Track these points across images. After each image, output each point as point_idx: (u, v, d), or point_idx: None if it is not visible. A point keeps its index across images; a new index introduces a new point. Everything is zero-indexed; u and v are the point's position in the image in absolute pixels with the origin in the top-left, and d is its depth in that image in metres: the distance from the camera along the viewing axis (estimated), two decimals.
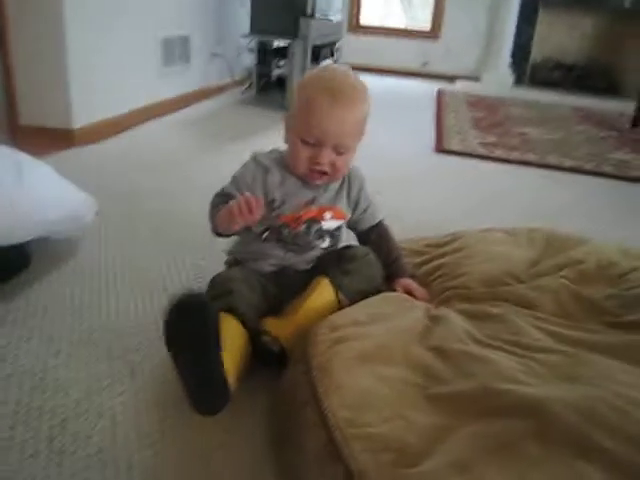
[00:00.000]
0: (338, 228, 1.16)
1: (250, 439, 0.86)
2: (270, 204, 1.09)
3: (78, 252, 1.43)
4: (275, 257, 1.11)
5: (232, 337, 0.92)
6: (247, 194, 0.96)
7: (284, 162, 1.10)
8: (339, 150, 1.04)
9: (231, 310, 0.95)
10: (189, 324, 0.81)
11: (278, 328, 0.97)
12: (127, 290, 1.26)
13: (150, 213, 1.71)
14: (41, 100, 2.33)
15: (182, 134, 2.74)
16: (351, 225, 1.21)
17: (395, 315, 1.01)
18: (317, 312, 1.00)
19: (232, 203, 0.96)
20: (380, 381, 0.85)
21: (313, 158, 1.03)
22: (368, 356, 0.89)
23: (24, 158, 1.33)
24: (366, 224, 1.21)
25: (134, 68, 2.76)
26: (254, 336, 0.96)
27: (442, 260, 1.26)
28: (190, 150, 2.46)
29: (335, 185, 1.14)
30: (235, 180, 1.11)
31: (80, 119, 2.37)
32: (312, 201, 1.10)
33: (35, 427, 0.85)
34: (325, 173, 1.06)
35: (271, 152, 1.14)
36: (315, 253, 1.14)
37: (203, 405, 0.85)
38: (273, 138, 2.82)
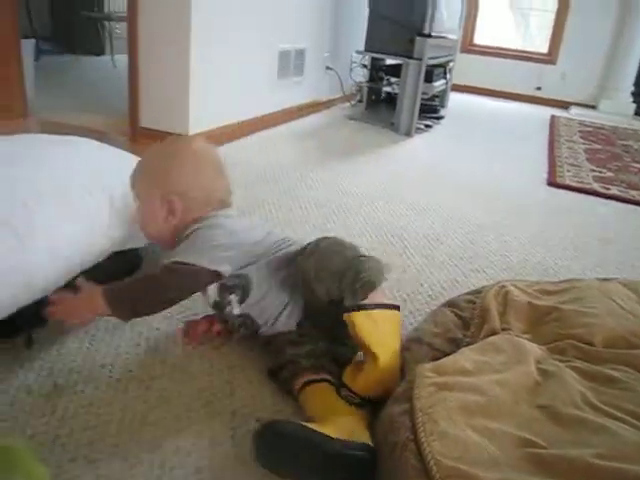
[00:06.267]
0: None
1: None
2: None
3: None
4: (263, 326, 1.06)
5: (326, 404, 0.93)
6: None
7: None
8: None
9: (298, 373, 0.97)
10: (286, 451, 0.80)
11: (353, 381, 0.96)
12: None
13: None
14: (162, 105, 2.45)
15: (290, 147, 2.78)
16: None
17: (504, 366, 0.96)
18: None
19: None
20: (486, 437, 0.80)
21: None
22: (474, 409, 0.85)
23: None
24: None
25: (251, 79, 2.84)
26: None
27: (558, 305, 1.18)
28: (297, 164, 2.48)
29: None
30: None
31: (196, 126, 2.47)
32: None
33: (138, 436, 0.87)
34: None
35: None
36: (231, 308, 1.06)
37: None
38: (380, 155, 2.76)
